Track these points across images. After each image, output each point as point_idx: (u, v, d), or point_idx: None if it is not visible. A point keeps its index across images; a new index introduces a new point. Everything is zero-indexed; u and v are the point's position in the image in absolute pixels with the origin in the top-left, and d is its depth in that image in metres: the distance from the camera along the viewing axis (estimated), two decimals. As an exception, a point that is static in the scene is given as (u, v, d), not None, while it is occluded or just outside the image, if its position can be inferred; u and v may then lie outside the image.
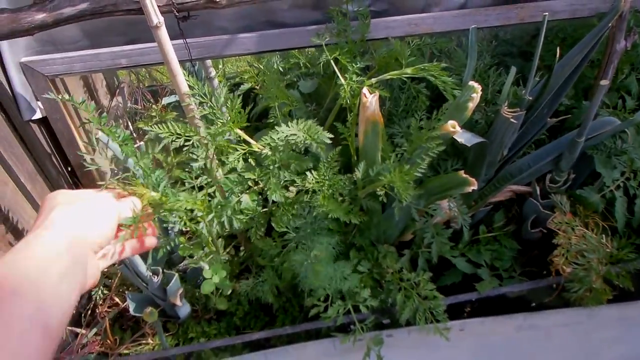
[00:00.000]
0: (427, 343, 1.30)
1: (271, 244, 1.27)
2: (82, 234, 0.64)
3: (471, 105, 1.11)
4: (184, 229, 1.31)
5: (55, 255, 0.59)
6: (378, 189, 1.18)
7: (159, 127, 1.15)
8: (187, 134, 1.20)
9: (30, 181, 1.38)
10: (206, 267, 1.20)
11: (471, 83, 1.11)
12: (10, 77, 1.35)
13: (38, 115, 1.41)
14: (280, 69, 1.73)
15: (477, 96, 1.11)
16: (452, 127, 1.07)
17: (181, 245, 1.20)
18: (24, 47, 1.34)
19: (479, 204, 1.41)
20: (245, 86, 1.77)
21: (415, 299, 1.23)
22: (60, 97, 0.97)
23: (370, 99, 1.22)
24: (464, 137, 1.16)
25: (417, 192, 1.17)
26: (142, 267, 1.16)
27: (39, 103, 1.41)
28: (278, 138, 1.13)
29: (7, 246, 1.21)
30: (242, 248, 1.59)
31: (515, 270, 1.39)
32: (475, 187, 1.12)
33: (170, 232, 1.26)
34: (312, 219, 1.25)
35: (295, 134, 1.10)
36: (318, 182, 1.28)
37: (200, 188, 1.30)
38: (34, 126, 1.43)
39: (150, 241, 0.81)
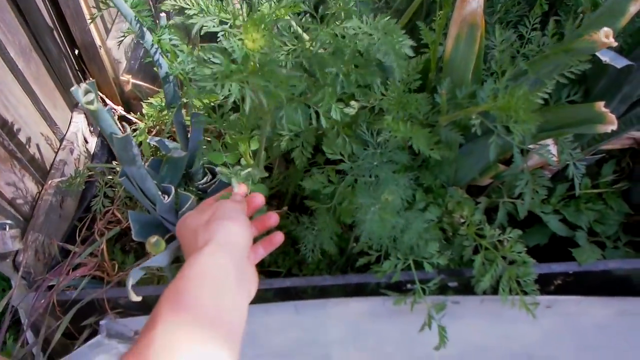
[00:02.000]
0: (500, 315, 1.04)
1: (323, 182, 0.98)
2: (237, 245, 0.66)
3: (633, 9, 0.77)
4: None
5: (225, 269, 0.61)
6: (473, 116, 0.87)
7: (185, 2, 0.83)
8: (224, 16, 0.88)
9: (23, 57, 1.09)
10: (236, 187, 0.92)
11: (635, -23, 0.77)
12: None
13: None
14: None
15: (641, -3, 0.77)
16: (606, 36, 0.74)
17: (213, 151, 0.92)
18: None
19: (587, 149, 1.09)
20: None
21: (499, 264, 0.95)
22: None
23: (475, -8, 0.89)
24: (608, 56, 0.83)
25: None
26: (150, 183, 0.89)
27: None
28: (344, 36, 0.80)
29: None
30: (275, 170, 1.31)
31: (620, 240, 1.09)
32: (615, 127, 0.81)
33: (195, 133, 0.97)
34: (377, 146, 0.95)
35: (368, 33, 0.77)
36: (387, 98, 0.98)
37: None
38: (31, -13, 1.12)
39: (278, 238, 0.81)
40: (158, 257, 0.86)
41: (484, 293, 0.98)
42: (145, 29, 0.74)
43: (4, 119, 1.01)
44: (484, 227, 1.01)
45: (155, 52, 0.78)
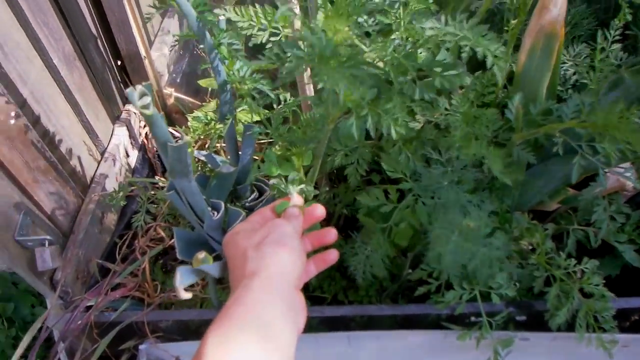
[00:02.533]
0: (572, 354, 0.95)
1: (380, 199, 0.91)
2: (287, 275, 0.60)
3: None
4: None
5: (273, 307, 0.55)
6: (557, 133, 0.79)
7: (235, 12, 0.78)
8: (273, 25, 0.82)
9: (67, 65, 1.05)
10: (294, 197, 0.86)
11: None
12: None
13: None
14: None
15: None
16: None
17: (270, 160, 0.86)
18: None
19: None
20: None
21: (576, 297, 0.86)
22: None
23: (557, -2, 0.83)
24: None
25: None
26: (200, 197, 0.83)
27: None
28: (423, 37, 0.74)
29: (27, 148, 0.90)
30: (321, 189, 1.25)
31: (703, 273, 0.99)
32: None
33: (246, 147, 0.91)
34: (445, 164, 0.88)
35: (454, 34, 0.70)
36: (451, 113, 0.91)
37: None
38: (78, -5, 1.08)
39: (333, 255, 0.73)
40: (210, 266, 0.79)
41: (557, 328, 0.89)
42: (206, 30, 0.68)
43: (45, 128, 0.97)
44: (555, 257, 0.93)
45: (215, 58, 0.72)
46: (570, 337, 0.90)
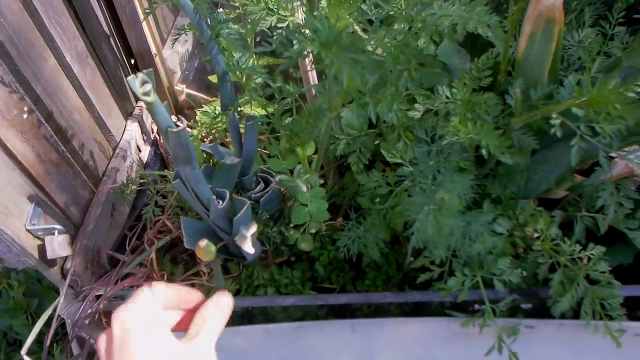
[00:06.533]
0: (580, 342, 0.93)
1: (378, 180, 0.92)
2: None
3: None
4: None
5: None
6: (554, 115, 0.79)
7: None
8: (281, 12, 0.84)
9: (79, 63, 1.08)
10: (303, 188, 0.87)
11: None
12: None
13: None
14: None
15: None
16: None
17: (274, 155, 0.87)
18: None
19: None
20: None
21: (581, 283, 0.85)
22: None
23: (554, -16, 0.82)
24: None
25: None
26: (204, 186, 0.84)
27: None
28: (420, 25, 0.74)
29: (40, 142, 0.93)
30: (329, 181, 1.25)
31: None
32: None
33: (249, 139, 0.93)
34: (439, 147, 0.88)
35: (449, 15, 0.71)
36: (451, 101, 0.91)
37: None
38: (90, -6, 1.12)
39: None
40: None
41: (563, 316, 0.88)
42: (204, 23, 0.70)
43: (58, 123, 1.00)
44: (560, 243, 0.92)
45: (213, 49, 0.74)
46: (577, 324, 0.89)
